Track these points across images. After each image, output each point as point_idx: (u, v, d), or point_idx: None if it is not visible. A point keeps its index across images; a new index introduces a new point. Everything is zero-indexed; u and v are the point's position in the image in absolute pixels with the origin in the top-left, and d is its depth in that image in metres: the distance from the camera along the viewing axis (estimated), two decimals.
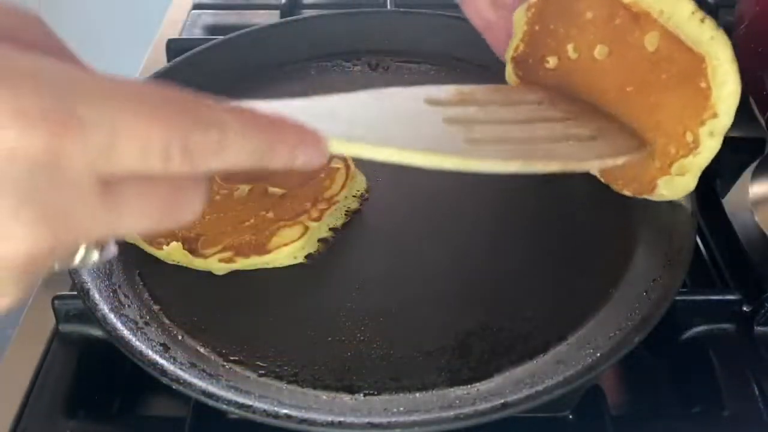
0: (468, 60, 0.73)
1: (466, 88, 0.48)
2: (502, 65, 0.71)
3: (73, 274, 0.49)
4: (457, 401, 0.44)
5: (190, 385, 0.43)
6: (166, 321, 0.50)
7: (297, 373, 0.47)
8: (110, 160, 0.24)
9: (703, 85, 0.47)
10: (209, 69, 0.68)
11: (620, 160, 0.47)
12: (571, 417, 0.48)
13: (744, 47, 0.62)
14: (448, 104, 0.46)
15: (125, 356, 0.45)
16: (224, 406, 0.42)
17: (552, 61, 0.55)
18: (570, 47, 0.54)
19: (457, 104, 0.46)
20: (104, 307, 0.47)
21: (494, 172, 0.41)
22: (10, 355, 0.52)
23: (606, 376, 0.50)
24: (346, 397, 0.45)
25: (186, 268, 0.53)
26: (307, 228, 0.54)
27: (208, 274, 0.53)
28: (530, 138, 0.46)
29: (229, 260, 0.52)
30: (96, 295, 0.48)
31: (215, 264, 0.52)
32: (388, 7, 0.87)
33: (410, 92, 0.45)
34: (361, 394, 0.45)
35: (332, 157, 0.59)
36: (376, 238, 0.55)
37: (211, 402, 0.42)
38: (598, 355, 0.44)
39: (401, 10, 0.78)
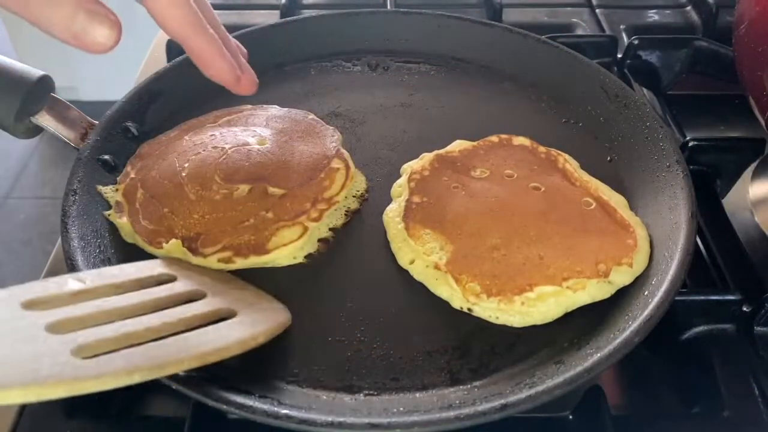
0: (468, 60, 0.73)
1: (84, 276, 0.44)
2: (503, 65, 0.71)
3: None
4: (457, 401, 0.44)
5: (189, 384, 0.43)
6: None
7: (297, 373, 0.47)
8: None
9: (629, 241, 0.52)
10: None
11: (262, 338, 0.43)
12: (571, 417, 0.48)
13: (744, 47, 0.62)
14: (53, 303, 0.40)
15: None
16: (224, 406, 0.42)
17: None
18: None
19: (64, 302, 0.41)
20: None
21: (117, 386, 0.36)
22: None
23: (606, 376, 0.50)
24: (346, 397, 0.45)
25: None
26: (306, 228, 0.54)
27: None
28: (157, 329, 0.41)
29: (228, 260, 0.52)
30: None
31: (214, 264, 0.52)
32: (388, 7, 0.87)
33: (4, 296, 0.39)
34: (361, 394, 0.45)
35: (332, 158, 0.59)
36: (376, 238, 0.55)
37: (211, 402, 0.42)
38: (598, 355, 0.44)
39: (401, 10, 0.77)
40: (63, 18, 0.39)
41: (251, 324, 0.44)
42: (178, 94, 0.66)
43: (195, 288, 0.46)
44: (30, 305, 0.39)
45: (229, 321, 0.44)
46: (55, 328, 0.38)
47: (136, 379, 0.36)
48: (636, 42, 0.78)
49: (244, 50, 0.59)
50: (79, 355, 0.36)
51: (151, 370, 0.37)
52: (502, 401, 0.42)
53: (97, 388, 0.35)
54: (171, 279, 0.47)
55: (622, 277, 0.50)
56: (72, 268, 0.50)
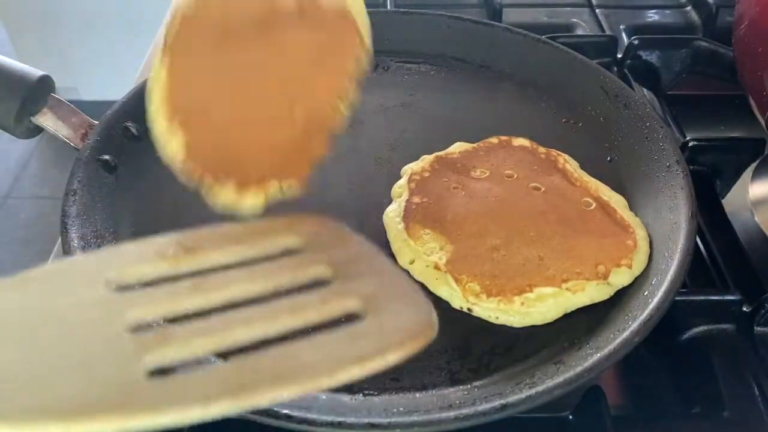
0: (468, 60, 0.73)
1: (190, 237, 0.33)
2: (503, 65, 0.71)
3: None
4: (457, 401, 0.44)
5: None
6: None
7: None
8: None
9: (629, 242, 0.52)
10: None
11: (392, 358, 0.31)
12: (571, 417, 0.48)
13: (744, 47, 0.62)
14: (145, 282, 0.31)
15: None
16: None
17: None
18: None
19: (159, 279, 0.31)
20: None
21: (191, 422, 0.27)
22: None
23: (606, 376, 0.50)
24: (346, 397, 0.45)
25: None
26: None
27: None
28: (259, 336, 0.30)
29: None
30: None
31: None
32: (388, 7, 0.87)
33: (93, 269, 0.30)
34: (361, 394, 0.45)
35: None
36: (376, 238, 0.55)
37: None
38: (598, 355, 0.44)
39: (401, 10, 0.77)
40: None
41: (382, 334, 0.32)
42: None
43: (327, 268, 0.34)
44: (117, 285, 0.30)
45: (353, 326, 0.32)
46: (139, 328, 0.29)
47: (213, 411, 0.27)
48: (636, 42, 0.77)
49: None
50: (154, 381, 0.27)
51: (242, 402, 0.28)
52: (502, 401, 0.42)
53: (163, 424, 0.26)
54: (296, 250, 0.35)
55: (621, 278, 0.50)
56: None
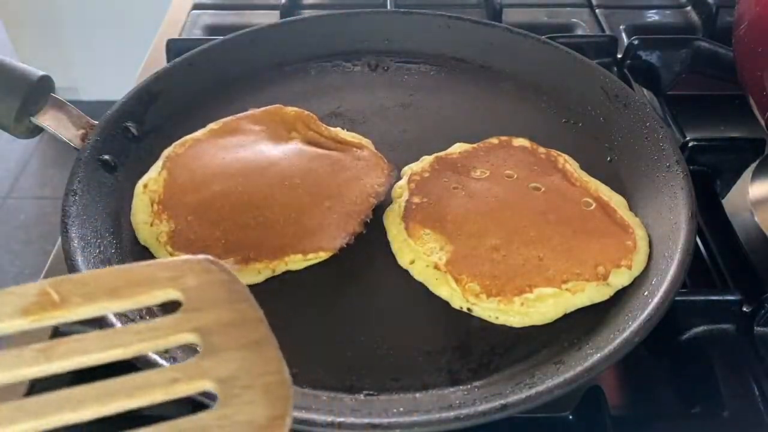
0: (468, 60, 0.73)
1: (62, 286, 0.31)
2: (503, 65, 0.71)
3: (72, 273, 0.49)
4: (457, 401, 0.44)
5: None
6: None
7: (297, 373, 0.47)
8: None
9: (629, 243, 0.52)
10: (209, 69, 0.68)
11: None
12: (571, 417, 0.48)
13: (744, 47, 0.62)
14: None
15: None
16: None
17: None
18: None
19: (13, 336, 0.31)
20: None
21: None
22: None
23: (606, 376, 0.50)
24: (346, 397, 0.45)
25: None
26: None
27: None
28: (93, 417, 0.29)
29: None
30: None
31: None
32: (388, 7, 0.87)
33: None
34: (361, 394, 0.45)
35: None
36: (376, 238, 0.55)
37: (211, 403, 0.42)
38: (598, 355, 0.44)
39: (401, 10, 0.78)
40: None
41: (229, 428, 0.30)
42: (178, 94, 0.66)
43: (192, 337, 0.32)
44: None
45: (198, 418, 0.31)
46: None
47: None
48: (636, 42, 0.77)
49: None
50: None
51: None
52: (502, 401, 0.42)
53: None
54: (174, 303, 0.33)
55: (620, 279, 0.50)
56: (72, 268, 0.49)
